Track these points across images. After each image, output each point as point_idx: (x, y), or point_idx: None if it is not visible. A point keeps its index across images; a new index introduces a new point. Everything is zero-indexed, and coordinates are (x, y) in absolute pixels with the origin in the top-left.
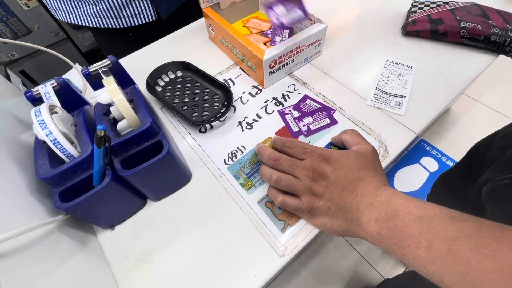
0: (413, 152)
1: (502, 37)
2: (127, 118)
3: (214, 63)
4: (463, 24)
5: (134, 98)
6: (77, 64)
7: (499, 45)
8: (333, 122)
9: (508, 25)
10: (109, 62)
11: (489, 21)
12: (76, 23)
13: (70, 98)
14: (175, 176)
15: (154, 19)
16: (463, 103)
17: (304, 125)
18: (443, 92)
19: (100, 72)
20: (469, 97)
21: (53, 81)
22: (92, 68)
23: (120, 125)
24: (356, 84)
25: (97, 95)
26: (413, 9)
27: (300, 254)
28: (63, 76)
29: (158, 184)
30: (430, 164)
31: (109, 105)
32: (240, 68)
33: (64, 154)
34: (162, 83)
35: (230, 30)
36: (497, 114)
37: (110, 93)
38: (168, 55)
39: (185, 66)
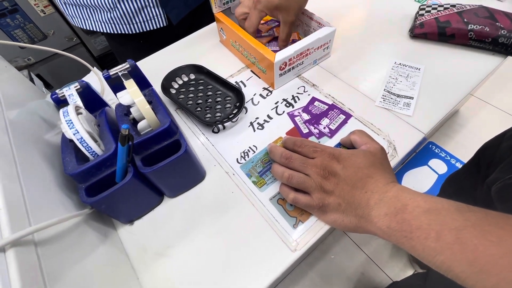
0: (422, 154)
1: (510, 38)
2: (147, 118)
3: (226, 66)
4: (471, 26)
5: (153, 99)
6: (95, 67)
7: (507, 47)
8: (348, 116)
9: None
10: (128, 65)
11: (497, 23)
12: (91, 29)
13: (92, 100)
14: (191, 174)
15: (165, 24)
16: (472, 105)
17: (324, 128)
18: (451, 94)
19: (120, 75)
20: (478, 99)
21: (76, 83)
22: (113, 71)
23: (140, 125)
24: (364, 86)
25: (119, 97)
26: (420, 12)
27: (311, 250)
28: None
29: (175, 181)
30: (439, 166)
31: (129, 106)
32: (251, 70)
33: (89, 152)
34: (176, 86)
35: (242, 34)
36: (506, 116)
37: (132, 94)
38: (181, 58)
39: (198, 69)
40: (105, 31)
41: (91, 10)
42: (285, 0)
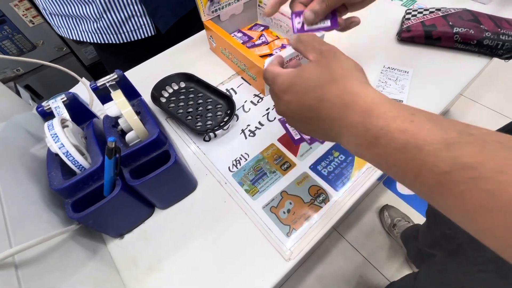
0: None
1: (495, 40)
2: (135, 129)
3: (216, 73)
4: (456, 29)
5: (141, 110)
6: (83, 78)
7: (492, 49)
8: (334, 24)
9: (499, 29)
10: (116, 76)
11: (481, 26)
12: (78, 39)
13: (79, 112)
14: (181, 184)
15: (153, 33)
16: (462, 104)
17: (299, 22)
18: (439, 96)
19: (107, 86)
20: (467, 98)
21: (63, 95)
22: (100, 82)
23: (128, 137)
24: None
25: (106, 108)
26: (407, 16)
27: (305, 258)
28: (70, 91)
29: (165, 192)
30: None
31: (117, 117)
32: (242, 77)
33: (76, 166)
34: (166, 94)
35: (231, 42)
36: (495, 114)
37: (119, 105)
38: (171, 67)
39: (188, 77)
40: (92, 41)
41: (77, 20)
42: None
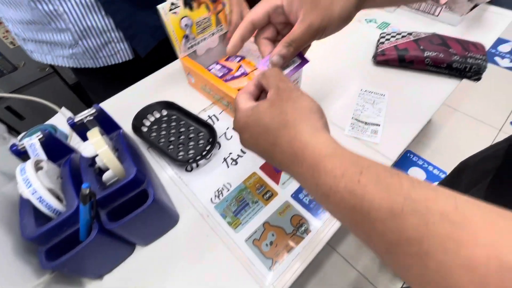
0: (401, 163)
1: (463, 64)
2: (112, 169)
3: (198, 100)
4: (427, 53)
5: (119, 146)
6: (63, 108)
7: (461, 71)
8: (305, 61)
9: (467, 52)
10: (94, 110)
11: (450, 49)
12: (52, 63)
13: (56, 148)
14: (162, 221)
15: (131, 58)
16: (443, 112)
17: None
18: (414, 118)
19: (85, 122)
20: (448, 106)
21: (39, 132)
22: (78, 118)
23: (105, 176)
24: (333, 114)
25: (82, 149)
26: (381, 39)
27: None
28: (49, 121)
29: (145, 231)
30: (418, 174)
31: (95, 155)
32: (224, 104)
33: (50, 211)
34: (148, 123)
35: (210, 78)
36: (473, 120)
37: (95, 146)
38: (152, 94)
39: (169, 105)
40: (67, 66)
41: (51, 45)
42: None
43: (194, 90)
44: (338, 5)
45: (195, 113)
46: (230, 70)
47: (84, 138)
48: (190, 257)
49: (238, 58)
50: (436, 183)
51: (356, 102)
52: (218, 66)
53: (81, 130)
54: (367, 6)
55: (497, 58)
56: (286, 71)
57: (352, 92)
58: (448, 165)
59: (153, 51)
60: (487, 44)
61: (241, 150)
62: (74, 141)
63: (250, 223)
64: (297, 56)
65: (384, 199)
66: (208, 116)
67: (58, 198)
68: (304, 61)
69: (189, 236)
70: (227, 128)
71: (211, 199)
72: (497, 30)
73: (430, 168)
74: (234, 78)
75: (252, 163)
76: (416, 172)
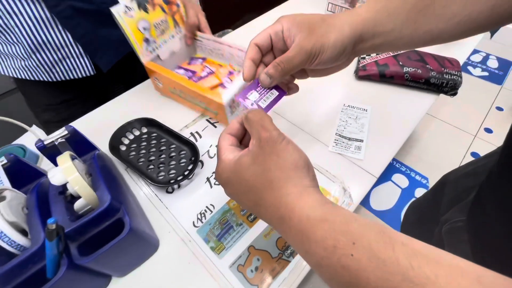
0: (385, 171)
1: (440, 79)
2: (84, 197)
3: (181, 116)
4: (406, 69)
5: (93, 171)
6: (34, 126)
7: (438, 86)
8: (282, 93)
9: (443, 69)
10: (66, 132)
11: (427, 66)
12: (3, 73)
13: (23, 173)
14: (140, 249)
15: (92, 73)
16: (423, 120)
17: (252, 104)
18: (396, 133)
19: (56, 144)
20: (427, 114)
21: (2, 158)
22: (48, 140)
23: (77, 205)
24: (317, 130)
25: (50, 177)
26: (362, 55)
27: None
28: (19, 140)
29: (121, 262)
30: (401, 181)
31: (65, 182)
32: (207, 120)
33: (13, 247)
34: (126, 141)
35: (176, 78)
36: (452, 128)
37: (65, 172)
38: (132, 111)
39: (149, 122)
40: (21, 77)
41: (2, 56)
42: (315, 20)
43: (177, 104)
44: (333, 35)
45: (176, 130)
46: (194, 72)
47: (55, 161)
48: (171, 287)
49: (200, 60)
50: (422, 191)
51: (339, 117)
52: (182, 71)
53: (52, 153)
54: (366, 47)
55: (469, 68)
56: (265, 104)
57: (335, 107)
58: (429, 171)
59: (118, 65)
60: (462, 57)
61: None
62: (46, 162)
63: (234, 248)
64: (274, 88)
65: (381, 280)
66: (191, 133)
67: (23, 231)
68: (282, 93)
69: (169, 263)
70: (210, 146)
71: (193, 222)
72: (471, 43)
73: (413, 174)
74: (201, 78)
75: None
76: (399, 179)
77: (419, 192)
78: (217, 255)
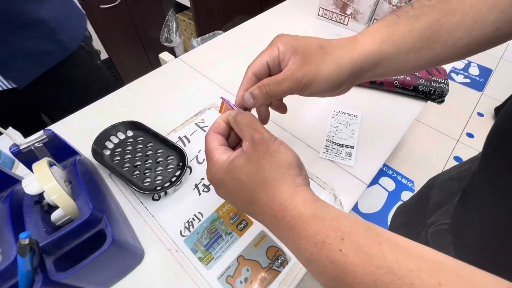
0: (393, 192)
1: (428, 87)
2: (62, 208)
3: (168, 119)
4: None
5: (73, 179)
6: (10, 129)
7: (426, 94)
8: None
9: (431, 76)
10: (44, 136)
11: (416, 73)
12: None
13: None
14: (123, 262)
15: (6, 87)
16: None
17: None
18: (386, 139)
19: (33, 148)
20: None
21: None
22: (24, 145)
23: (54, 216)
24: (308, 135)
25: (25, 185)
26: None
27: None
28: None
29: (103, 275)
30: (388, 184)
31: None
32: (196, 124)
33: None
34: (111, 146)
35: None
36: (436, 132)
37: (41, 181)
38: (115, 113)
39: (135, 125)
40: None
41: None
42: (313, 46)
43: (165, 106)
44: (328, 66)
45: (164, 134)
46: None
47: (32, 168)
48: None
49: None
50: (408, 194)
51: (330, 123)
52: None
53: (29, 158)
54: (366, 76)
55: (452, 74)
56: None
57: (326, 113)
58: (414, 175)
59: (37, 81)
60: (449, 66)
61: None
62: (22, 167)
63: (223, 258)
64: None
65: (367, 274)
66: (179, 137)
67: None
68: None
69: (155, 275)
70: (199, 151)
71: (180, 231)
72: None
73: (399, 177)
74: None
75: None
76: (386, 182)
77: (405, 195)
78: (205, 266)
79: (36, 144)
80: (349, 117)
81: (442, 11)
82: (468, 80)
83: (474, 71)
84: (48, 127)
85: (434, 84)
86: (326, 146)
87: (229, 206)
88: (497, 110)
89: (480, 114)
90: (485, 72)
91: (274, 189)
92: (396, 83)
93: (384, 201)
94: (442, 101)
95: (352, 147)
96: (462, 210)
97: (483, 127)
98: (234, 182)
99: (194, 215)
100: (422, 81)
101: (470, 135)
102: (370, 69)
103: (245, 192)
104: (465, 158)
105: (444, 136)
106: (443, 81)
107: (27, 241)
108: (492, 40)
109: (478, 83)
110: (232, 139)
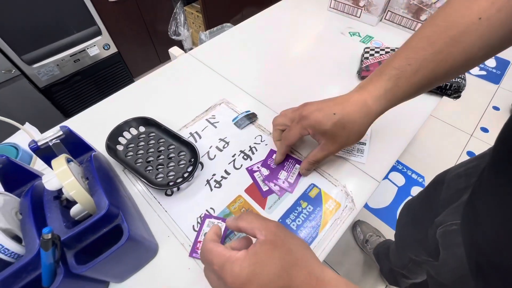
0: (402, 187)
1: None
2: (80, 203)
3: (180, 114)
4: None
5: (90, 175)
6: (27, 124)
7: (442, 89)
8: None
9: None
10: (61, 133)
11: None
12: None
13: (15, 175)
14: (139, 256)
15: None
16: None
17: (283, 182)
18: (399, 136)
19: (50, 145)
20: None
21: None
22: (42, 141)
23: (73, 210)
24: None
25: (45, 182)
26: (365, 55)
27: None
28: (11, 139)
29: (119, 269)
30: (398, 179)
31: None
32: (207, 120)
33: (7, 255)
34: (124, 141)
35: None
36: (448, 126)
37: (59, 177)
38: (127, 109)
39: (147, 121)
40: None
41: None
42: (336, 129)
43: (176, 101)
44: (354, 137)
45: (175, 130)
46: None
47: (49, 163)
48: None
49: None
50: (419, 190)
51: None
52: None
53: (47, 154)
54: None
55: None
56: (292, 179)
57: None
58: (425, 170)
59: None
60: None
61: (226, 171)
62: (40, 162)
63: None
64: (292, 159)
65: None
66: (190, 133)
67: (16, 237)
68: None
69: (169, 269)
70: (210, 147)
71: (193, 226)
72: None
73: (409, 172)
74: None
75: (237, 185)
76: (396, 177)
77: (415, 191)
78: None
79: (53, 141)
80: None
81: (435, 62)
82: (484, 73)
83: (491, 63)
84: (63, 124)
85: None
86: None
87: (241, 202)
88: None
89: (496, 108)
90: (502, 64)
91: (308, 267)
92: None
93: (393, 197)
94: (458, 97)
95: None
96: (471, 210)
97: (499, 122)
98: (267, 272)
99: (206, 210)
100: None
101: (484, 130)
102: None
103: (282, 276)
104: (478, 153)
105: (457, 130)
106: (460, 75)
107: (49, 236)
108: (482, 62)
109: (495, 75)
110: None
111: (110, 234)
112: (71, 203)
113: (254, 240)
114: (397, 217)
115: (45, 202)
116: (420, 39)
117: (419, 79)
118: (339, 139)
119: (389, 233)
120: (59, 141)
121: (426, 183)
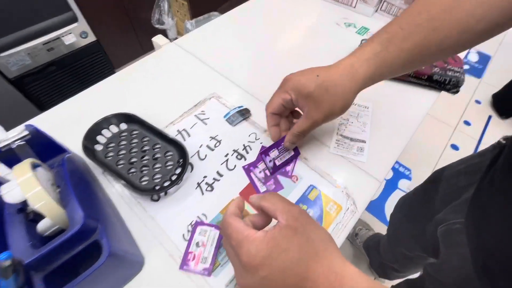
0: (390, 180)
1: (442, 76)
2: (49, 217)
3: (166, 109)
4: None
5: (62, 182)
6: None
7: (440, 83)
8: (297, 153)
9: (446, 65)
10: (26, 132)
11: None
12: None
13: None
14: (121, 272)
15: None
16: None
17: (270, 161)
18: (399, 132)
19: (13, 147)
20: None
21: None
22: (3, 143)
23: (41, 226)
24: (317, 129)
25: (3, 193)
26: None
27: None
28: None
29: None
30: (406, 186)
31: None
32: (196, 116)
33: None
34: (103, 140)
35: None
36: (434, 120)
37: (23, 187)
38: (106, 105)
39: (129, 118)
40: None
41: None
42: (320, 91)
43: (162, 94)
44: (339, 103)
45: (161, 127)
46: None
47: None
48: None
49: None
50: (406, 182)
51: (340, 116)
52: None
53: (9, 158)
54: (368, 85)
55: None
56: (279, 162)
57: None
58: (411, 162)
59: None
60: (462, 53)
61: (218, 173)
62: (2, 167)
63: (231, 264)
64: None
65: None
66: (178, 131)
67: None
68: (297, 152)
69: (156, 283)
70: (201, 146)
71: (183, 235)
72: None
73: (396, 165)
74: None
75: (231, 187)
76: (404, 184)
77: (403, 183)
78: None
79: (16, 142)
80: (360, 108)
81: (428, 29)
82: (467, 67)
83: (473, 57)
84: (30, 122)
85: (450, 73)
86: (336, 140)
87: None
88: (495, 96)
89: (478, 102)
90: (484, 59)
91: (328, 260)
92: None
93: (381, 190)
94: (457, 91)
95: (364, 141)
96: (478, 209)
97: (481, 115)
98: (283, 258)
99: (198, 216)
100: (437, 69)
101: (467, 123)
102: (369, 85)
103: (299, 265)
104: (462, 146)
105: (441, 123)
106: (459, 69)
107: (9, 263)
108: (479, 42)
109: (477, 69)
110: None
111: (87, 249)
112: (39, 216)
113: (275, 222)
114: (386, 209)
115: (6, 216)
116: (416, 4)
117: (410, 46)
118: (323, 104)
119: (378, 226)
120: (24, 142)
121: (413, 176)
